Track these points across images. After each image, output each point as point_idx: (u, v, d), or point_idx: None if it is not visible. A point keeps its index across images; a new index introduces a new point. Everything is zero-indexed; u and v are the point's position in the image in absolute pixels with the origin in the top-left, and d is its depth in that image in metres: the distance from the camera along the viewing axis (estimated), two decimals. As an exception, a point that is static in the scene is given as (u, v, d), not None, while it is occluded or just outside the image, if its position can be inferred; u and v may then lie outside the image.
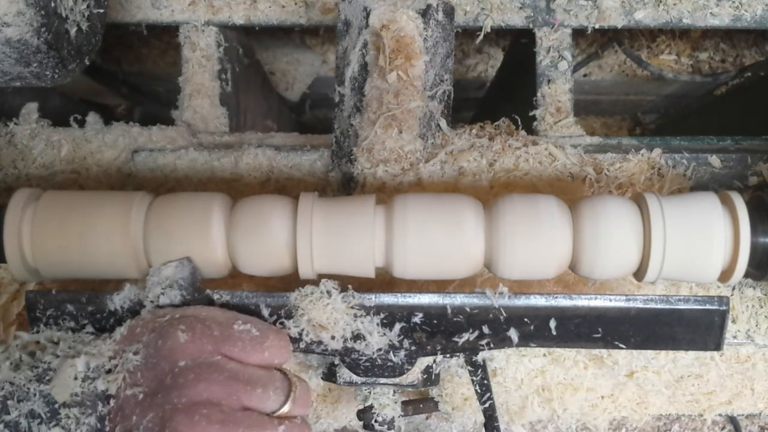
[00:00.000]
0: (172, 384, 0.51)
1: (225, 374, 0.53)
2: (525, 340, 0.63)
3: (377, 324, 0.62)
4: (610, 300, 0.62)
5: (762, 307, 0.78)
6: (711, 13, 0.89)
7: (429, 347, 0.64)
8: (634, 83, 1.47)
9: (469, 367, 0.66)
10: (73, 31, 0.73)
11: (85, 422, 0.50)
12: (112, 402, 0.51)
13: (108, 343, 0.55)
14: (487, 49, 1.55)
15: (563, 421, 0.82)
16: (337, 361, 0.65)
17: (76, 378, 0.51)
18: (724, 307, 0.62)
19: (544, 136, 0.86)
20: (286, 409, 0.56)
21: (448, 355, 0.65)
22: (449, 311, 0.63)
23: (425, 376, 0.67)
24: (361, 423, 0.69)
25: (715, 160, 0.78)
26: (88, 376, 0.52)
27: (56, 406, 0.50)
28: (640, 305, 0.62)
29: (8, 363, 0.54)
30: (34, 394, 0.51)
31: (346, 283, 0.62)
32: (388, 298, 0.62)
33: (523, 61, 0.98)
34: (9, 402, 0.50)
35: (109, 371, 0.53)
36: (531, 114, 0.89)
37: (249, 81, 1.12)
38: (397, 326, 0.63)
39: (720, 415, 0.83)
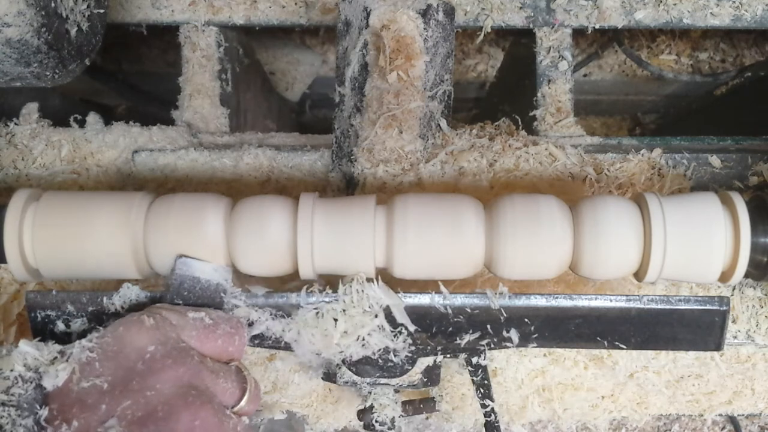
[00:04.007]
0: (146, 370, 0.51)
1: (195, 360, 0.54)
2: (525, 341, 0.63)
3: (377, 325, 0.62)
4: (611, 300, 0.62)
5: (762, 307, 0.78)
6: (711, 13, 0.89)
7: (429, 347, 0.64)
8: (634, 83, 1.47)
9: (469, 368, 0.66)
10: (73, 31, 0.73)
11: (21, 424, 0.47)
12: (54, 403, 0.49)
13: (50, 345, 0.53)
14: (487, 49, 1.55)
15: (563, 421, 0.82)
16: (337, 362, 0.65)
17: (10, 375, 0.49)
18: (725, 308, 0.62)
19: (544, 136, 0.86)
20: (241, 405, 0.56)
21: (448, 356, 0.65)
22: (450, 312, 0.63)
23: (426, 377, 0.67)
24: (362, 423, 0.69)
25: (715, 160, 0.78)
26: (24, 378, 0.49)
27: None
28: (641, 305, 0.62)
29: None
30: None
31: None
32: (388, 299, 0.62)
33: (524, 61, 0.98)
34: None
35: (54, 360, 0.51)
36: (531, 114, 0.89)
37: (249, 81, 1.12)
38: (398, 327, 0.63)
39: (720, 415, 0.83)
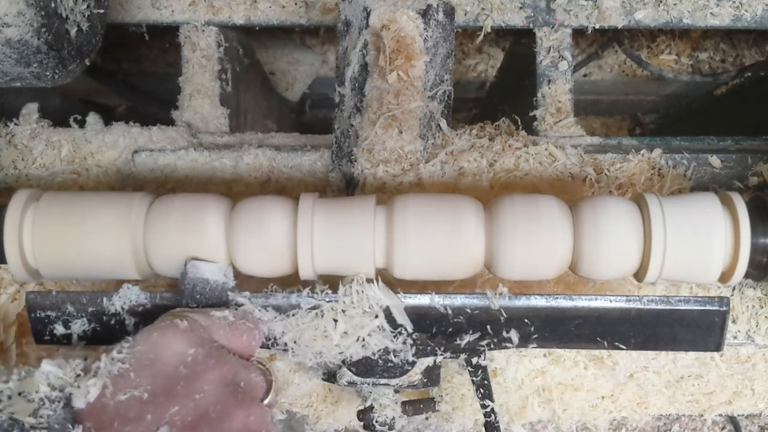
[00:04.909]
0: (190, 373, 0.50)
1: (233, 358, 0.54)
2: (525, 341, 0.63)
3: (378, 326, 0.62)
4: (611, 301, 0.62)
5: (762, 308, 0.78)
6: (711, 13, 0.89)
7: (430, 348, 0.64)
8: (634, 83, 1.47)
9: (469, 368, 0.66)
10: (73, 31, 0.73)
11: None
12: (90, 420, 0.47)
13: (72, 361, 0.51)
14: (487, 49, 1.55)
15: (563, 422, 0.82)
16: (337, 362, 0.65)
17: (35, 397, 0.47)
18: (725, 308, 0.62)
19: (544, 136, 0.86)
20: (268, 398, 0.57)
21: (448, 356, 0.65)
22: (450, 312, 0.63)
23: (426, 377, 0.67)
24: (362, 423, 0.69)
25: (715, 160, 0.78)
26: (50, 399, 0.47)
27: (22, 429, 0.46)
28: (641, 306, 0.62)
29: None
30: None
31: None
32: (388, 300, 0.62)
33: (524, 61, 0.98)
34: None
35: (78, 377, 0.49)
36: (531, 114, 0.89)
37: (249, 81, 1.12)
38: (398, 327, 0.63)
39: (720, 415, 0.83)
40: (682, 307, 0.62)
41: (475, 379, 0.67)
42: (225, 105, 0.94)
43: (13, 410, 0.46)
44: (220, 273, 0.63)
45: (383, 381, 0.65)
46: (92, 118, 0.84)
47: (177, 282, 0.63)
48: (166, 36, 1.26)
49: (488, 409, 0.67)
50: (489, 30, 0.89)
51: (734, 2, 0.89)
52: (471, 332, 0.63)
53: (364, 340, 0.62)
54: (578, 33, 0.91)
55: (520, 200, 0.63)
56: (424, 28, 0.72)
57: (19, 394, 0.47)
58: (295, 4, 0.91)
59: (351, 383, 0.66)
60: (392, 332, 0.63)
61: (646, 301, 0.62)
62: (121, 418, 0.47)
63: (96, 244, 0.62)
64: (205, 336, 0.55)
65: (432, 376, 0.67)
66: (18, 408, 0.46)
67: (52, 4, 0.67)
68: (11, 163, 0.82)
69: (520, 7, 0.89)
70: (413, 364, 0.65)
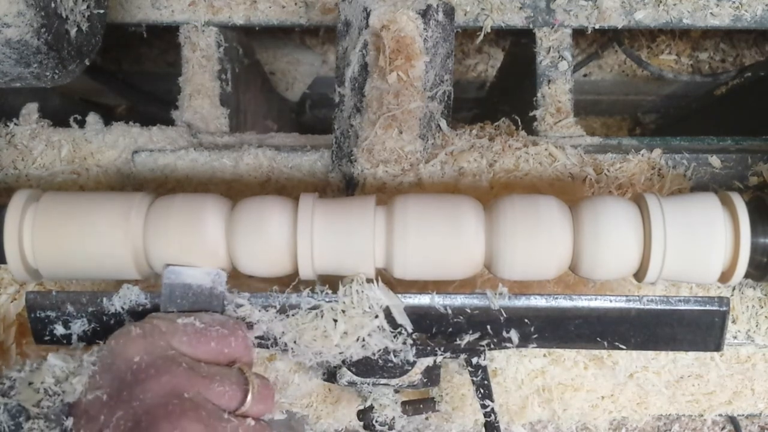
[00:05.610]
0: (133, 380, 0.52)
1: (183, 366, 0.54)
2: (525, 341, 0.63)
3: (377, 326, 0.62)
4: (611, 301, 0.62)
5: (762, 308, 0.78)
6: (711, 13, 0.89)
7: (429, 348, 0.64)
8: (634, 83, 1.47)
9: (469, 368, 0.66)
10: (73, 31, 0.73)
11: None
12: (72, 414, 0.51)
13: (76, 356, 0.55)
14: (487, 49, 1.55)
15: (563, 422, 0.82)
16: (337, 362, 0.65)
17: (41, 387, 0.52)
18: (725, 308, 0.62)
19: (544, 136, 0.86)
20: (245, 407, 0.56)
21: (448, 356, 0.65)
22: (449, 312, 0.63)
23: (426, 377, 0.67)
24: (362, 423, 0.69)
25: (715, 160, 0.78)
26: (53, 391, 0.52)
27: (20, 419, 0.50)
28: (641, 306, 0.62)
29: None
30: None
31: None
32: (388, 300, 0.62)
33: (524, 61, 0.98)
34: None
35: (72, 373, 0.53)
36: (531, 114, 0.89)
37: (249, 81, 1.12)
38: (398, 327, 0.63)
39: (720, 415, 0.83)
40: (682, 307, 0.62)
41: (475, 379, 0.67)
42: (225, 105, 0.93)
43: (21, 398, 0.51)
44: (206, 278, 0.62)
45: (383, 381, 0.65)
46: (92, 118, 0.84)
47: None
48: (166, 36, 1.26)
49: (488, 409, 0.67)
50: (489, 30, 0.89)
51: (734, 2, 0.89)
52: (471, 332, 0.63)
53: (364, 340, 0.62)
54: (578, 33, 0.91)
55: (519, 200, 0.63)
56: (424, 29, 0.72)
57: (29, 384, 0.52)
58: (295, 4, 0.91)
59: (351, 383, 0.66)
60: (392, 332, 0.63)
61: (646, 301, 0.62)
62: (86, 415, 0.51)
63: (96, 244, 0.62)
64: (160, 343, 0.55)
65: (432, 376, 0.68)
66: (26, 396, 0.51)
67: (52, 5, 0.67)
68: (11, 163, 0.82)
69: (520, 7, 0.89)
70: (413, 364, 0.65)
